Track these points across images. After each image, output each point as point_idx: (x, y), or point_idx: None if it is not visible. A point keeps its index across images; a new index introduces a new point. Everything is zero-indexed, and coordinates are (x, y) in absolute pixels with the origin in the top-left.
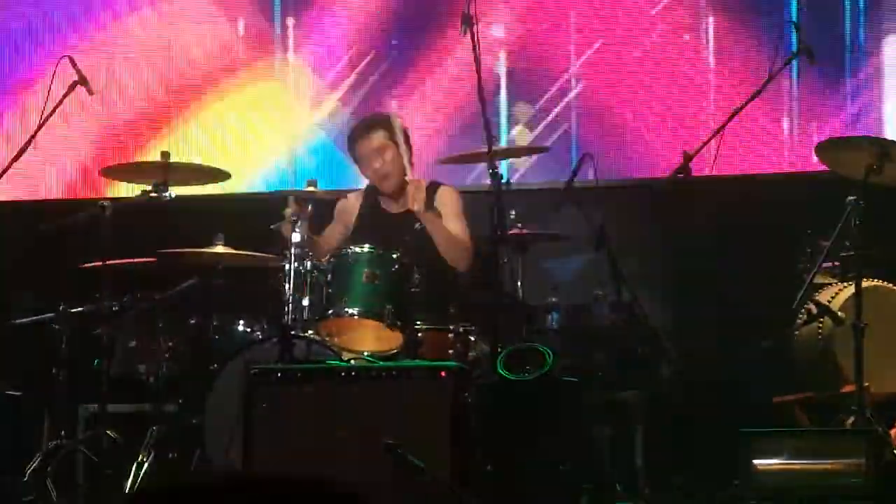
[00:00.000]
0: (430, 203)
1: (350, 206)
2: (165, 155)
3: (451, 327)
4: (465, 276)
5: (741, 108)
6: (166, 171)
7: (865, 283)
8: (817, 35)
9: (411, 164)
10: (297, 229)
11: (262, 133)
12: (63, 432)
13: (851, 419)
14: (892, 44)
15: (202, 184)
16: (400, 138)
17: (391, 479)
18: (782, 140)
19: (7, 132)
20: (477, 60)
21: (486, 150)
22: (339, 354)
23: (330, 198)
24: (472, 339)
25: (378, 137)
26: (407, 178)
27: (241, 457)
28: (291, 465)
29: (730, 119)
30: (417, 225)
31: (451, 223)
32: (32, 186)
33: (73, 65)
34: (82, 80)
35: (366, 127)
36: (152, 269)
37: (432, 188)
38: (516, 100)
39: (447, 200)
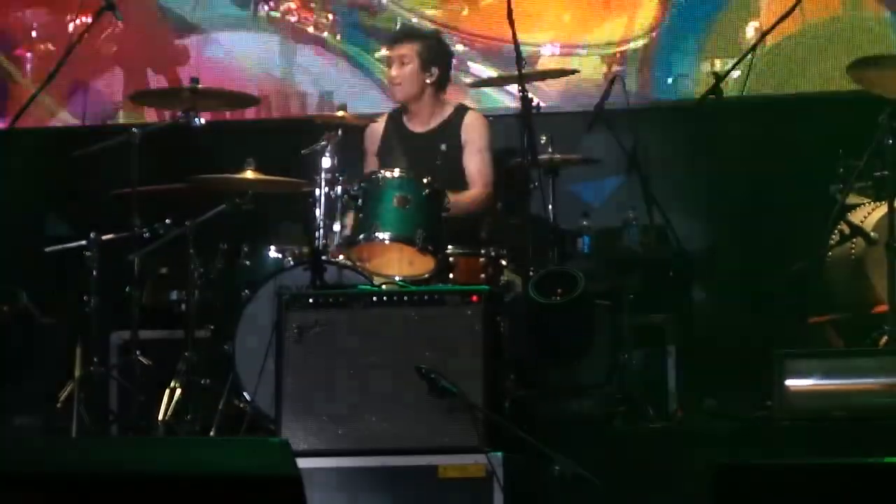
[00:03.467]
0: (455, 127)
1: (376, 130)
2: (194, 80)
3: (483, 252)
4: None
5: (771, 29)
6: (195, 96)
7: None
8: None
9: (438, 84)
10: (327, 154)
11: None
12: (95, 359)
13: (885, 338)
14: None
15: (232, 109)
16: (429, 57)
17: (424, 403)
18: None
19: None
20: None
21: (515, 72)
22: (371, 279)
23: (360, 123)
24: (504, 263)
25: (406, 48)
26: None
27: (274, 382)
28: (323, 391)
29: (760, 39)
30: (443, 146)
31: (472, 158)
32: (62, 111)
33: None
34: (110, 6)
35: (402, 33)
36: (182, 195)
37: (460, 112)
38: None
39: (473, 132)
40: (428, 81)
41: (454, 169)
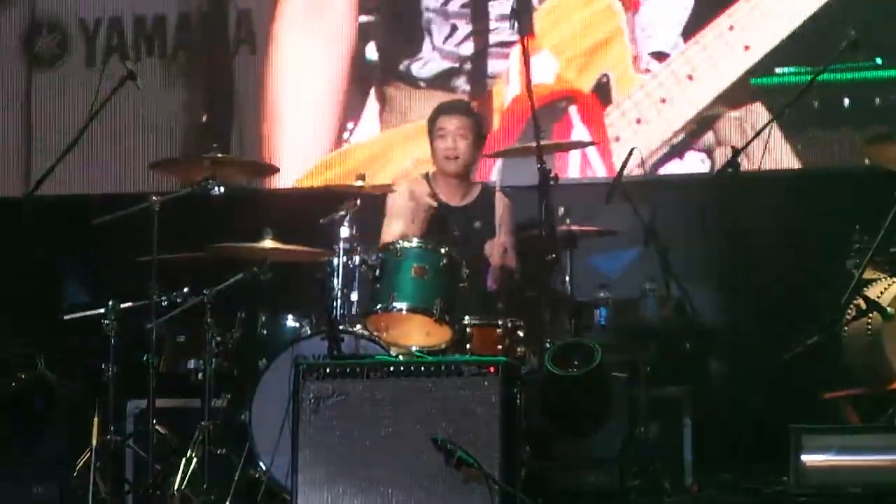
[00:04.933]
0: (488, 205)
1: (402, 195)
2: (216, 149)
3: (500, 322)
4: (514, 271)
5: (789, 105)
6: (215, 165)
7: None
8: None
9: (475, 164)
10: (345, 224)
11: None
12: (112, 427)
13: None
14: None
15: (251, 178)
16: (477, 136)
17: (441, 474)
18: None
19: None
20: (525, 53)
21: (534, 144)
22: (388, 349)
23: (378, 192)
24: (521, 334)
25: (461, 121)
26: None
27: (290, 452)
28: (340, 462)
29: (778, 114)
30: (477, 223)
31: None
32: (84, 180)
33: (123, 61)
34: (131, 75)
35: (456, 107)
36: (201, 263)
37: (488, 191)
38: None
39: (505, 217)
40: (477, 156)
41: (474, 243)
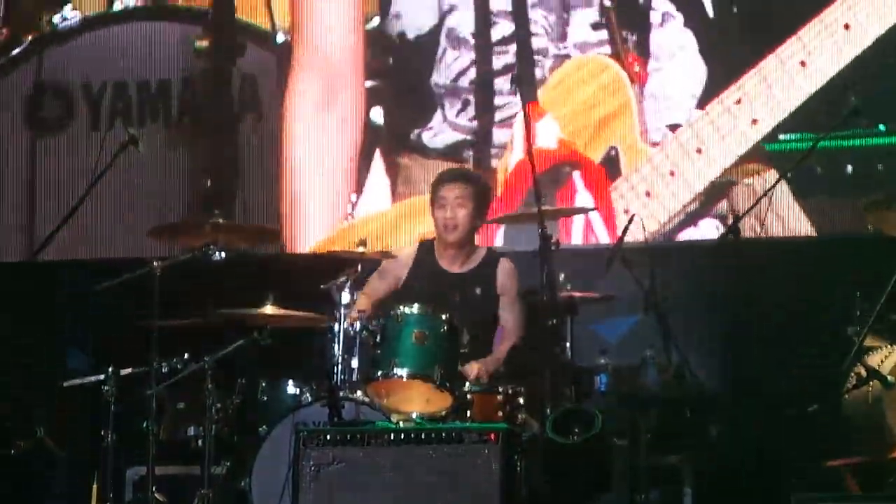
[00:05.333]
0: (489, 272)
1: (402, 261)
2: (217, 215)
3: (500, 389)
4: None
5: (789, 172)
6: (217, 231)
7: None
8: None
9: (477, 230)
10: (346, 290)
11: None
12: (111, 495)
13: None
14: None
15: (253, 244)
16: (478, 204)
17: None
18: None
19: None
20: (527, 118)
21: (535, 210)
22: (389, 416)
23: (380, 258)
24: (521, 401)
25: (462, 189)
26: (475, 242)
27: None
28: None
29: (777, 182)
30: (478, 289)
31: (509, 310)
32: (86, 245)
33: (126, 125)
34: (133, 140)
35: (457, 175)
36: (202, 329)
37: (492, 257)
38: None
39: (508, 282)
40: (478, 224)
41: (485, 312)
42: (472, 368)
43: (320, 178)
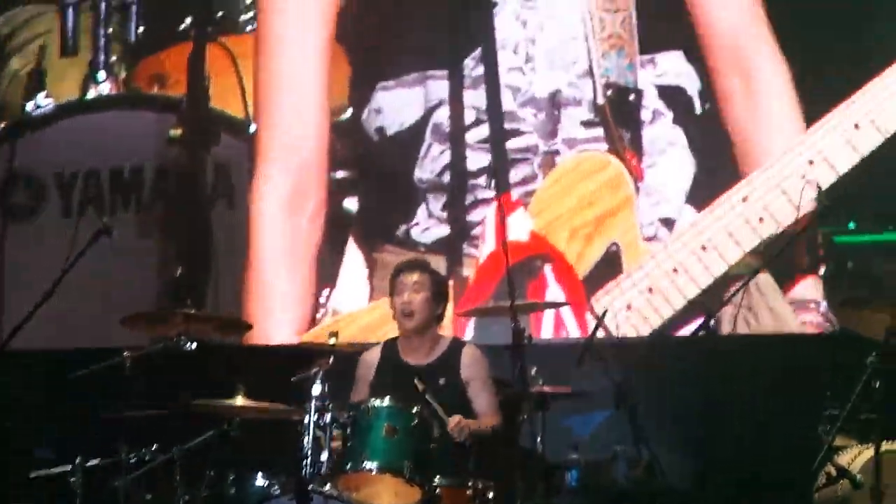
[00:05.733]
0: (453, 361)
1: (369, 363)
2: (189, 305)
3: (470, 483)
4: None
5: (760, 269)
6: (188, 321)
7: (886, 446)
8: None
9: (440, 317)
10: (318, 381)
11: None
12: None
13: None
14: None
15: (223, 335)
16: (436, 291)
17: None
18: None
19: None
20: (501, 210)
21: (507, 303)
22: None
23: (352, 350)
24: (491, 496)
25: (418, 276)
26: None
27: None
28: None
29: (749, 279)
30: (441, 380)
31: (479, 395)
32: (55, 334)
33: (98, 214)
34: (106, 230)
35: (412, 264)
36: (171, 420)
37: (456, 346)
38: None
39: (474, 368)
40: (437, 313)
41: (452, 402)
42: (455, 418)
43: (287, 269)
